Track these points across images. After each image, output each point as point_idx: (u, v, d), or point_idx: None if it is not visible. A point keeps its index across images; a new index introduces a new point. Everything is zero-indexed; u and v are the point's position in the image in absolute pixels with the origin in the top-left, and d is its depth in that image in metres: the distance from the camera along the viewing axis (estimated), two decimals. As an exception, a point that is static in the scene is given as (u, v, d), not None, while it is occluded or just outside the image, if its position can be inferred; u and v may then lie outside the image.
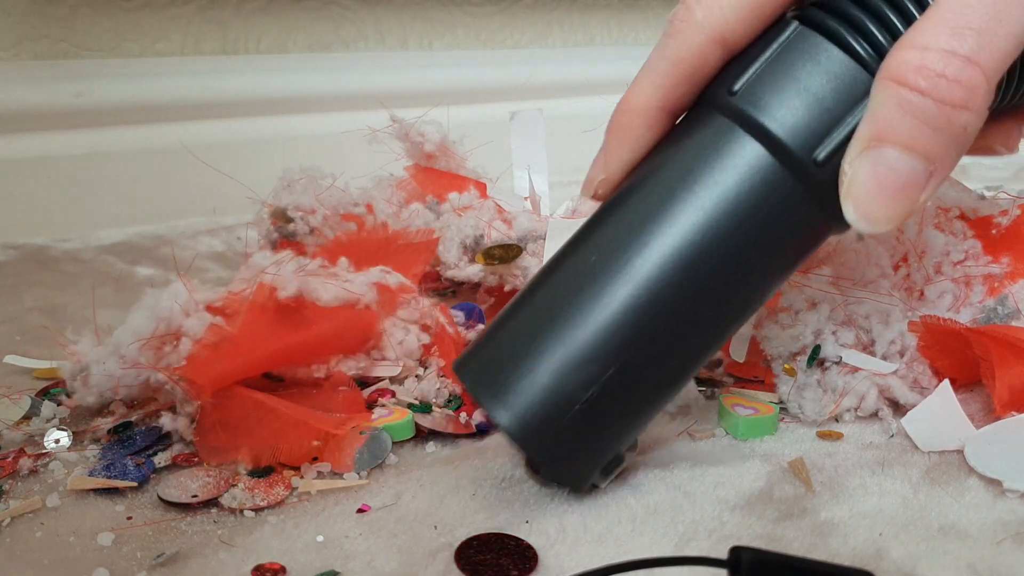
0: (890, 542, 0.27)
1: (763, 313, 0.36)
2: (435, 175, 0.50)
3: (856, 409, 0.35)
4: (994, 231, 0.38)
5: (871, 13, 0.25)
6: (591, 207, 0.45)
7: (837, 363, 0.34)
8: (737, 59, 0.26)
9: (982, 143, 0.29)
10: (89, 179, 0.69)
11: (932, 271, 0.37)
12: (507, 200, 0.49)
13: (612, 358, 0.26)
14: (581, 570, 0.23)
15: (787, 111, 0.25)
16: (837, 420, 0.35)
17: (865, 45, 0.25)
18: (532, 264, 0.42)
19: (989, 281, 0.36)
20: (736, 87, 0.26)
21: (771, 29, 0.26)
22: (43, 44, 0.68)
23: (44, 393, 0.37)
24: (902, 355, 0.34)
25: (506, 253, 0.41)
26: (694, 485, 0.30)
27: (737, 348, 0.36)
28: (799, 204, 0.26)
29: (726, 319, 0.27)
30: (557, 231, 0.41)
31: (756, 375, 0.37)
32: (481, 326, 0.44)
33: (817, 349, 0.35)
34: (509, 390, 0.26)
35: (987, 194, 0.40)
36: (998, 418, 0.32)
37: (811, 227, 0.26)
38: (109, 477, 0.30)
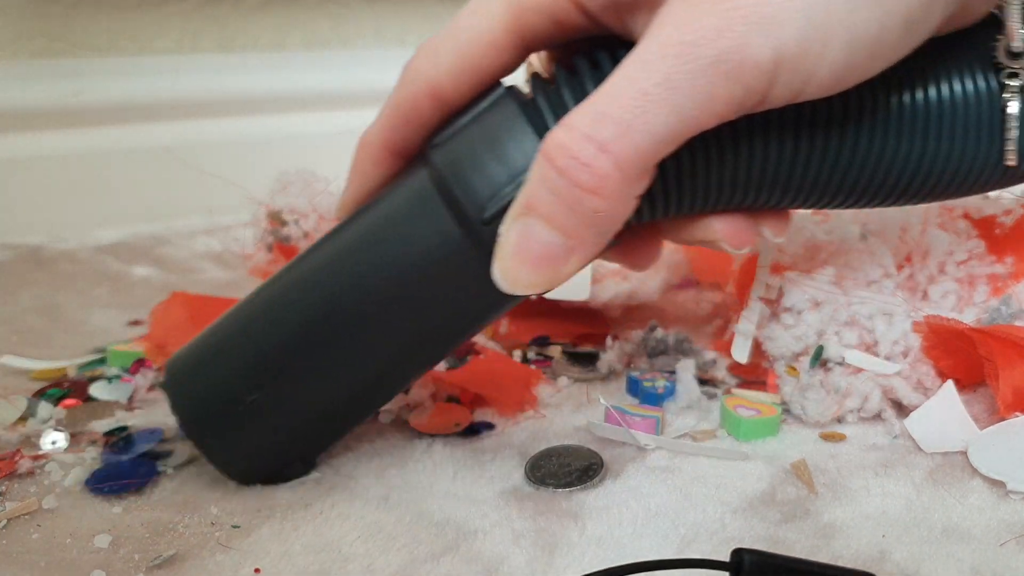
0: (893, 544, 0.27)
1: (766, 314, 0.36)
2: None
3: (859, 410, 0.34)
4: (998, 231, 0.37)
5: (556, 89, 0.26)
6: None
7: (840, 364, 0.34)
8: (454, 115, 0.27)
9: (701, 237, 0.29)
10: (86, 178, 0.69)
11: (936, 271, 0.37)
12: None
13: (278, 368, 0.28)
14: (583, 573, 0.23)
15: (467, 168, 0.26)
16: (840, 421, 0.35)
17: (545, 117, 0.26)
18: None
19: (993, 281, 0.36)
20: (436, 140, 0.27)
21: (484, 93, 0.27)
22: (40, 43, 0.68)
23: (41, 394, 0.37)
24: (905, 356, 0.34)
25: None
26: (696, 487, 0.30)
27: (740, 349, 0.36)
28: (469, 258, 0.27)
29: (397, 359, 0.29)
30: None
31: (759, 376, 0.37)
32: None
33: (820, 350, 0.34)
34: (187, 388, 0.29)
35: (990, 194, 0.40)
36: (1002, 419, 0.32)
37: (478, 281, 0.27)
38: (109, 479, 0.30)
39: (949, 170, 0.27)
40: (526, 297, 0.28)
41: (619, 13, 0.26)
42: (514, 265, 0.25)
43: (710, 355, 0.40)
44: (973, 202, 0.39)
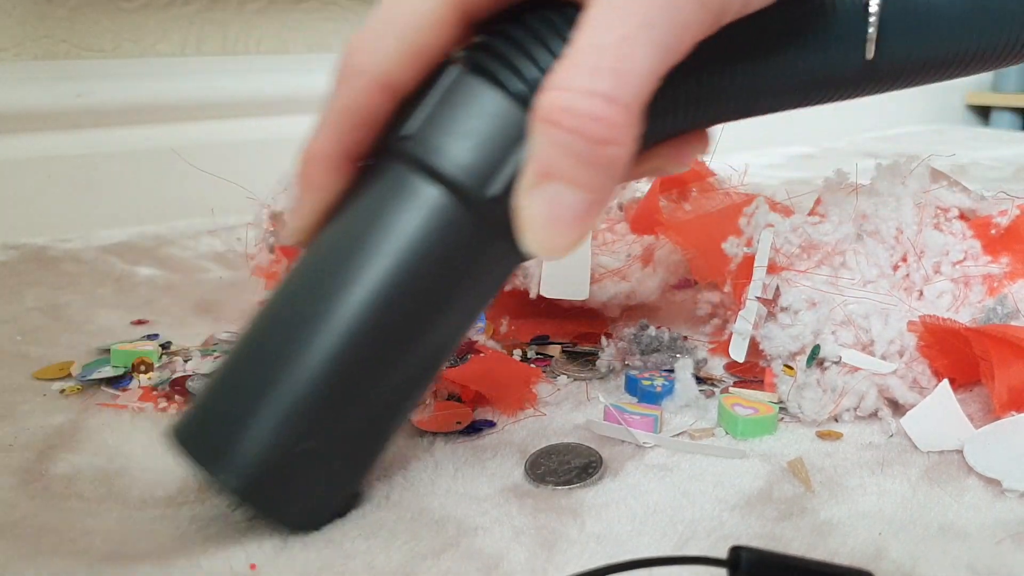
0: (889, 542, 0.27)
1: (763, 313, 0.36)
2: None
3: (855, 409, 0.35)
4: (993, 231, 0.38)
5: (521, 52, 0.26)
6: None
7: (836, 363, 0.34)
8: (408, 104, 0.27)
9: (651, 165, 0.30)
10: (90, 179, 0.69)
11: (931, 271, 0.37)
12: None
13: (323, 408, 0.26)
14: (581, 570, 0.23)
15: (455, 152, 0.26)
16: (836, 420, 0.35)
17: (519, 83, 0.26)
18: (532, 264, 0.42)
19: (988, 281, 0.37)
20: (404, 132, 0.26)
21: (436, 74, 0.26)
22: (44, 44, 0.69)
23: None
24: (901, 355, 0.35)
25: None
26: (693, 485, 0.30)
27: (737, 348, 0.36)
28: (477, 238, 0.27)
29: (430, 355, 0.28)
30: None
31: (756, 375, 0.38)
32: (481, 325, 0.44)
33: (816, 349, 0.35)
34: (230, 452, 0.26)
35: (986, 195, 0.40)
36: (997, 418, 0.32)
37: (496, 259, 0.27)
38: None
39: (822, 71, 0.30)
40: (520, 263, 0.29)
41: None
42: (548, 232, 0.25)
43: (702, 354, 0.40)
44: (969, 203, 0.39)
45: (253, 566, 0.26)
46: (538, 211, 0.25)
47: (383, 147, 0.27)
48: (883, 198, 0.38)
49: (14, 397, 0.38)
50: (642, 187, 0.49)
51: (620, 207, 0.49)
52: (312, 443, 0.26)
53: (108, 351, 0.42)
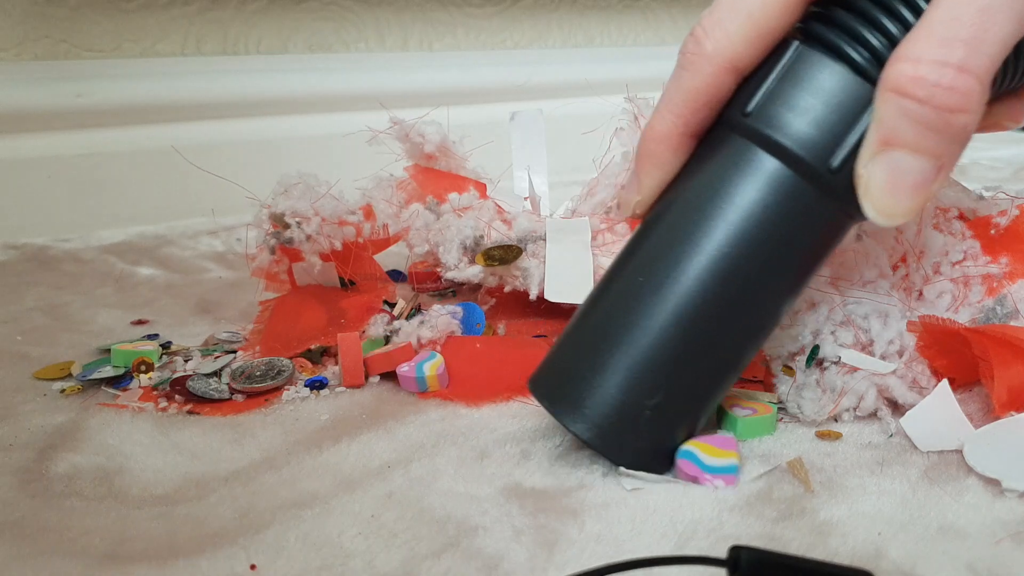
0: (889, 542, 0.27)
1: None
2: (435, 175, 0.50)
3: (855, 409, 0.35)
4: (993, 231, 0.38)
5: (867, 22, 0.27)
6: (590, 207, 0.46)
7: (836, 363, 0.34)
8: (749, 81, 0.28)
9: (989, 121, 0.32)
10: (90, 179, 0.69)
11: (931, 271, 0.37)
12: (507, 200, 0.49)
13: (670, 367, 0.29)
14: (582, 569, 0.23)
15: (798, 126, 0.27)
16: (836, 420, 0.35)
17: (863, 54, 0.27)
18: (532, 265, 0.42)
19: (988, 281, 0.37)
20: (749, 108, 0.28)
21: (776, 50, 0.28)
22: (44, 45, 0.69)
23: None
24: (901, 355, 0.35)
25: (506, 254, 0.41)
26: (693, 485, 0.30)
27: None
28: (819, 207, 0.28)
29: (768, 315, 0.30)
30: (556, 231, 0.42)
31: (755, 375, 0.38)
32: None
33: (816, 349, 0.35)
34: (583, 404, 0.29)
35: (986, 194, 0.40)
36: (997, 418, 0.32)
37: (832, 224, 0.29)
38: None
39: None
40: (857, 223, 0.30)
41: None
42: (890, 199, 0.27)
43: None
44: (968, 203, 0.39)
45: (253, 566, 0.26)
46: (881, 178, 0.26)
47: (725, 122, 0.29)
48: None
49: (14, 397, 0.38)
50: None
51: (618, 206, 0.49)
52: (657, 400, 0.29)
53: (108, 351, 0.42)
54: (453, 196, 0.47)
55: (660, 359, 0.29)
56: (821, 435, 0.34)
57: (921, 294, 0.37)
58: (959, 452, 0.32)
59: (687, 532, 0.27)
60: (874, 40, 0.27)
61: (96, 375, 0.39)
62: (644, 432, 0.29)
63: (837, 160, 0.27)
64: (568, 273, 0.41)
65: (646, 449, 0.30)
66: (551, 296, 0.40)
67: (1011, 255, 0.37)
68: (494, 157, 0.52)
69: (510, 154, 0.53)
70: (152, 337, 0.45)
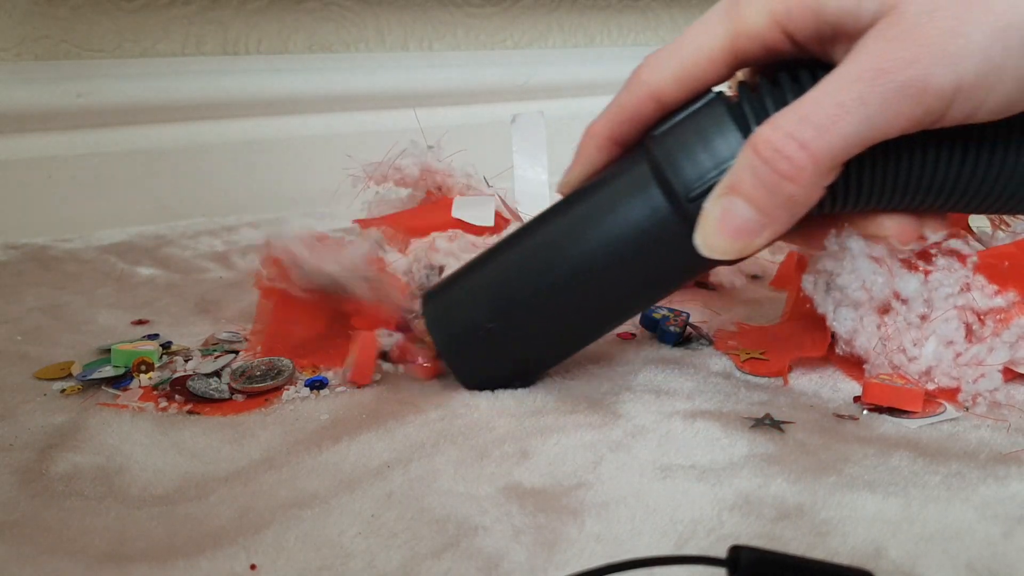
0: (889, 541, 0.27)
1: None
2: (407, 220, 0.50)
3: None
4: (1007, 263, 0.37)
5: (773, 89, 0.32)
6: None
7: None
8: (670, 113, 0.33)
9: (874, 231, 0.34)
10: (90, 179, 0.69)
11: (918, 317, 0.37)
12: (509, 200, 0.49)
13: (507, 304, 0.35)
14: (582, 569, 0.23)
15: (677, 156, 0.32)
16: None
17: (754, 116, 0.31)
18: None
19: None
20: (655, 132, 0.33)
21: (697, 97, 0.33)
22: (44, 45, 0.69)
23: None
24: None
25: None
26: (693, 484, 0.30)
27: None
28: (675, 228, 0.33)
29: (613, 305, 0.36)
30: (461, 207, 0.48)
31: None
32: None
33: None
34: (443, 321, 0.37)
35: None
36: None
37: (686, 246, 0.32)
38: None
39: None
40: (713, 264, 0.34)
41: (822, 43, 0.31)
42: (715, 235, 0.31)
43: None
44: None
45: (253, 566, 0.26)
46: (715, 214, 0.31)
47: (641, 141, 0.34)
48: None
49: (14, 397, 0.38)
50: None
51: None
52: (493, 326, 0.36)
53: (108, 351, 0.42)
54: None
55: (507, 298, 0.35)
56: (838, 416, 0.34)
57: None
58: (958, 451, 0.32)
59: (687, 532, 0.27)
60: (771, 107, 0.31)
61: (96, 375, 0.39)
62: (476, 345, 0.36)
63: (695, 192, 0.32)
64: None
65: (482, 366, 0.37)
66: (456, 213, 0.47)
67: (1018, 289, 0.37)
68: (494, 157, 0.52)
69: (510, 154, 0.54)
70: (152, 337, 0.45)
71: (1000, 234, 0.40)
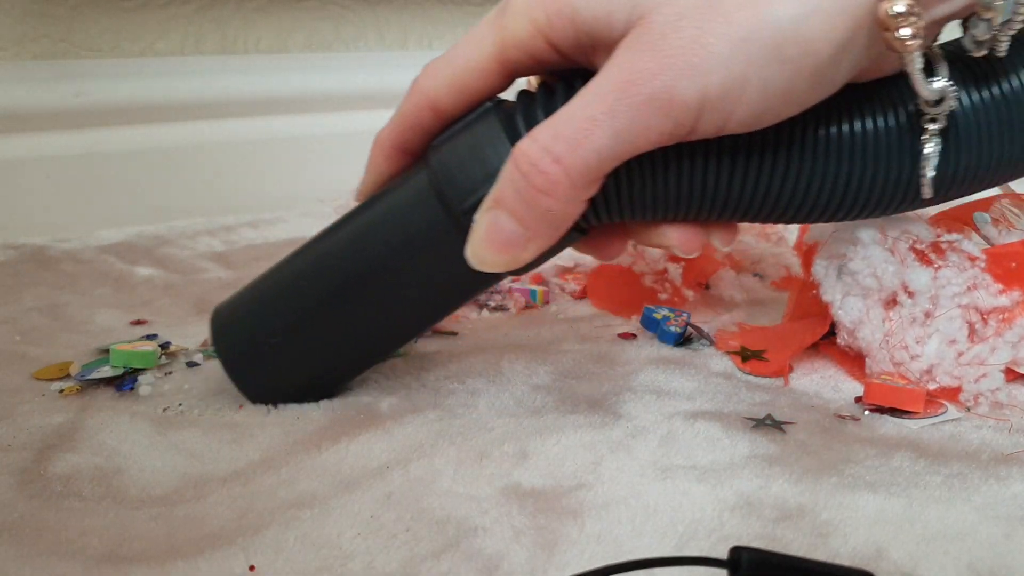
0: (890, 542, 0.27)
1: None
2: None
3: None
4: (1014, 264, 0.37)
5: (529, 106, 0.31)
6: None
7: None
8: (450, 123, 0.33)
9: (658, 241, 0.34)
10: (89, 179, 0.69)
11: (923, 314, 0.37)
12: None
13: (290, 320, 0.35)
14: (582, 570, 0.23)
15: (452, 166, 0.32)
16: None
17: (518, 129, 0.31)
18: None
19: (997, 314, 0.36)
20: (433, 144, 0.33)
21: (476, 106, 0.32)
22: (43, 44, 0.68)
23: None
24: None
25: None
26: (694, 485, 0.30)
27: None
28: (451, 238, 0.32)
29: (396, 316, 0.35)
30: None
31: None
32: None
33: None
34: (227, 334, 0.36)
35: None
36: None
37: (462, 259, 0.32)
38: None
39: (870, 194, 0.31)
40: (503, 276, 0.34)
41: (585, 53, 0.30)
42: (482, 248, 0.31)
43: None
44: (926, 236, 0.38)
45: (252, 567, 0.26)
46: (482, 228, 0.31)
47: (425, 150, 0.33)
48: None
49: (13, 397, 0.38)
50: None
51: None
52: (276, 341, 0.35)
53: (107, 351, 0.42)
54: None
55: (289, 312, 0.35)
56: (840, 417, 0.34)
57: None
58: (959, 451, 0.32)
59: (687, 532, 0.27)
60: (541, 117, 0.30)
61: (95, 375, 0.39)
62: (258, 359, 0.36)
63: (468, 204, 0.31)
64: None
65: (263, 379, 0.36)
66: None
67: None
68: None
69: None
70: (151, 337, 0.45)
71: (1007, 232, 0.39)
